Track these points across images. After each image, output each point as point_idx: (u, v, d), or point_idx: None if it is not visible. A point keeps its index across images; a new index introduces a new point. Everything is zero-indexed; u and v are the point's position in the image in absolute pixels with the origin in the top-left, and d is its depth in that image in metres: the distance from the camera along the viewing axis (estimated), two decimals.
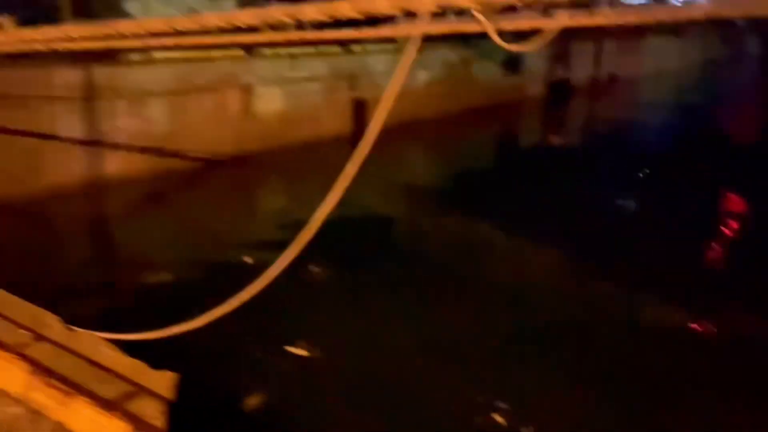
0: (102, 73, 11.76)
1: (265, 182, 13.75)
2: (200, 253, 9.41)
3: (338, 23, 3.79)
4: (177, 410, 2.34)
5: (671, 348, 6.72)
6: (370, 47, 17.44)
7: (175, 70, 12.86)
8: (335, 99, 16.40)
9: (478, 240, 10.06)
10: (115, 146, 11.97)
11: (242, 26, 3.69)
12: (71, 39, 4.36)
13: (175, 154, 12.81)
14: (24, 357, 2.24)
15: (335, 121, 16.21)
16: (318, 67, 15.90)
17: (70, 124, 11.38)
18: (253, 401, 5.54)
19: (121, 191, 11.71)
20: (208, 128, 13.55)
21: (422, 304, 7.55)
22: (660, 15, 5.42)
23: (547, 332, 6.93)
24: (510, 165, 15.62)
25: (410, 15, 3.32)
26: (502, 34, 3.58)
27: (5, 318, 2.57)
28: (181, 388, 2.48)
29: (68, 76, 11.34)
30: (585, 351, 6.55)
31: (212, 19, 3.83)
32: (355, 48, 16.90)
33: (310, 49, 15.46)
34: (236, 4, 18.37)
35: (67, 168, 11.32)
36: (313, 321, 7.09)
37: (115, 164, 12.02)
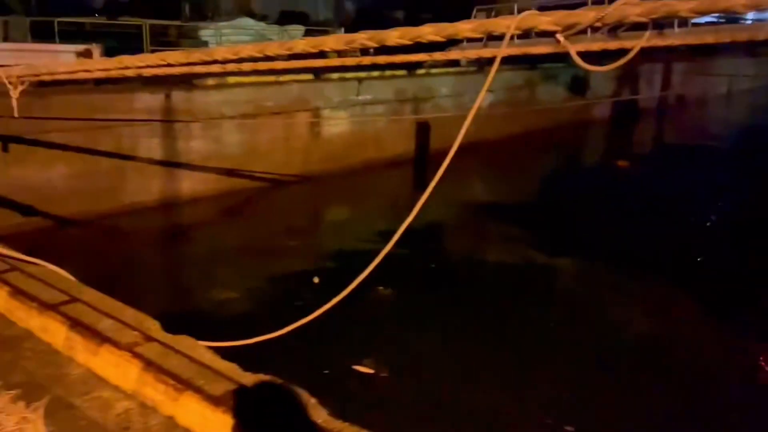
0: (179, 97, 12.37)
1: (332, 201, 14.03)
2: (270, 266, 9.69)
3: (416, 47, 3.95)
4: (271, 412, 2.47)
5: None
6: (433, 70, 17.65)
7: (247, 93, 13.39)
8: (399, 121, 16.64)
9: (541, 263, 9.95)
10: (190, 166, 12.52)
11: (324, 51, 3.87)
12: (139, 67, 4.64)
13: (245, 174, 13.28)
14: (136, 355, 2.43)
15: (398, 143, 16.42)
16: (382, 90, 16.20)
17: (150, 146, 11.99)
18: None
19: (194, 208, 12.21)
20: (277, 149, 13.98)
21: (484, 325, 7.53)
22: (737, 35, 5.35)
23: (609, 354, 6.80)
24: (574, 188, 15.39)
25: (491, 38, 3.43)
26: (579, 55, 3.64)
27: (116, 319, 2.79)
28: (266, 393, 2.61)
29: (148, 101, 11.98)
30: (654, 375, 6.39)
31: (300, 44, 4.02)
32: (419, 71, 17.14)
33: (375, 73, 15.79)
34: (304, 31, 19.03)
35: (145, 187, 11.90)
36: (378, 340, 7.18)
37: (190, 183, 12.55)
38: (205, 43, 17.71)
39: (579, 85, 22.35)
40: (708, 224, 12.11)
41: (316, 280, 8.70)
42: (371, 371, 6.42)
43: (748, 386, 6.40)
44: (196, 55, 4.58)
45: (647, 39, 3.18)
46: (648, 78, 26.39)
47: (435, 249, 10.36)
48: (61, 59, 11.22)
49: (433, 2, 36.07)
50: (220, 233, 11.58)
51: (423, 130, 16.50)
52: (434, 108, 17.09)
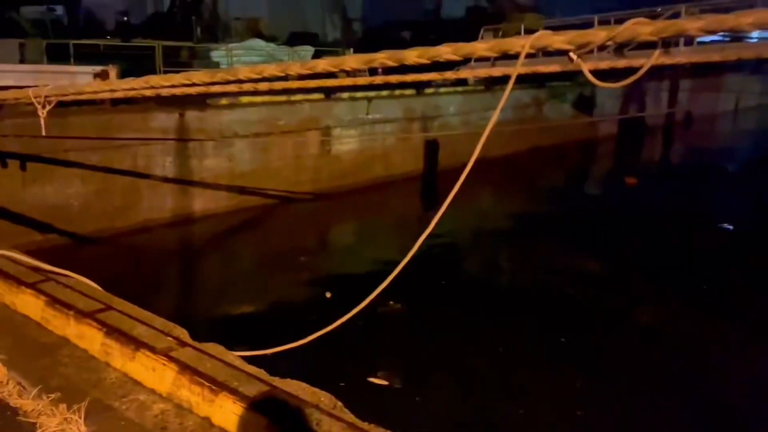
0: (193, 117, 12.59)
1: (342, 218, 14.18)
2: (283, 282, 9.81)
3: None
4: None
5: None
6: (441, 90, 17.87)
7: (259, 113, 13.62)
8: (408, 139, 16.83)
9: (550, 277, 10.02)
10: (203, 184, 12.71)
11: (346, 70, 4.03)
12: (164, 87, 4.79)
13: (257, 192, 13.46)
14: (171, 359, 2.54)
15: (407, 161, 16.59)
16: (392, 109, 16.41)
17: (164, 164, 12.20)
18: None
19: (207, 225, 12.38)
20: (289, 167, 14.18)
21: (494, 338, 7.60)
22: (743, 53, 5.46)
23: (619, 363, 6.85)
24: (583, 204, 15.47)
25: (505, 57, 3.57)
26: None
27: (150, 326, 2.91)
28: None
29: (163, 120, 12.21)
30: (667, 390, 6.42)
31: (321, 64, 4.17)
32: (427, 91, 17.36)
33: (385, 93, 16.01)
34: (314, 52, 19.31)
35: (159, 204, 12.08)
36: (391, 353, 7.26)
37: (202, 200, 12.74)
38: (217, 64, 18.00)
39: (586, 103, 22.53)
40: (714, 238, 12.15)
41: (328, 295, 8.81)
42: (385, 383, 6.50)
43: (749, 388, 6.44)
44: (221, 74, 4.74)
45: (656, 58, 3.29)
46: (655, 95, 26.55)
47: (445, 265, 10.45)
48: (79, 80, 11.46)
49: (438, 23, 36.53)
50: (233, 249, 11.73)
51: (432, 148, 16.67)
52: (442, 126, 17.28)
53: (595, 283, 9.64)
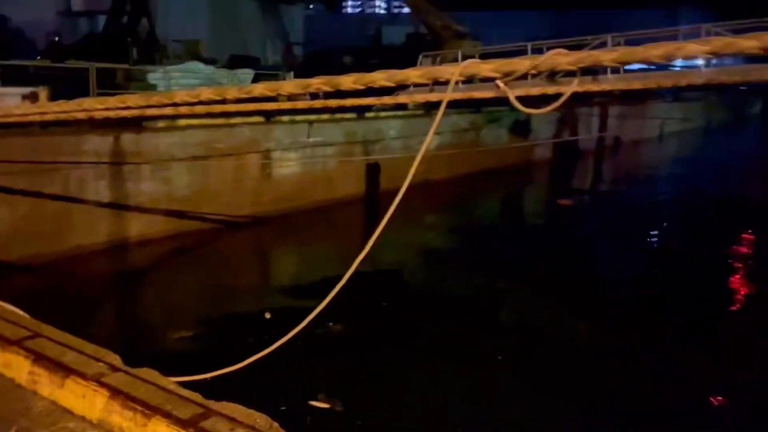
0: (128, 140, 12.32)
1: (283, 242, 14.09)
2: (221, 306, 9.65)
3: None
4: None
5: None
6: (382, 113, 18.12)
7: (197, 136, 13.46)
8: (349, 162, 16.94)
9: (488, 297, 10.25)
10: (140, 208, 12.41)
11: (282, 95, 4.08)
12: (98, 110, 4.73)
13: (196, 216, 13.24)
14: (103, 385, 2.49)
15: (349, 184, 16.68)
16: (333, 132, 16.51)
17: (97, 188, 11.85)
18: None
19: (144, 250, 12.06)
20: (228, 191, 14.02)
21: (431, 356, 7.70)
22: (663, 81, 5.85)
23: (553, 375, 7.06)
24: (518, 226, 15.92)
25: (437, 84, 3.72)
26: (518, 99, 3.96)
27: (81, 352, 2.84)
28: None
29: (97, 143, 11.89)
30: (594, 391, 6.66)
31: (258, 88, 4.23)
32: (368, 114, 17.57)
33: (325, 116, 16.11)
34: (254, 75, 19.27)
35: (93, 229, 11.71)
36: (332, 374, 7.25)
37: (139, 225, 12.42)
38: (154, 87, 17.73)
39: (521, 127, 23.27)
40: (641, 255, 12.73)
41: (267, 315, 8.74)
42: (327, 405, 6.48)
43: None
44: (156, 98, 4.72)
45: (578, 84, 3.51)
46: (587, 121, 27.68)
47: (385, 286, 10.53)
48: (6, 102, 11.08)
49: (379, 49, 37.12)
50: (171, 275, 11.47)
51: (373, 171, 16.83)
52: (384, 150, 17.48)
53: (527, 300, 9.92)
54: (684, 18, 43.93)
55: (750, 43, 3.49)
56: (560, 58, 3.59)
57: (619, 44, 16.62)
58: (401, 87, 7.00)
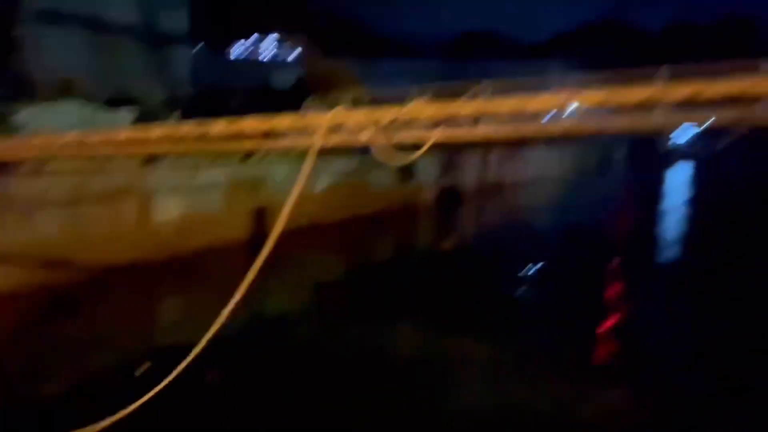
0: None
1: (163, 289, 13.42)
2: (93, 360, 9.02)
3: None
4: None
5: None
6: (270, 156, 18.01)
7: (70, 180, 12.68)
8: (235, 205, 16.65)
9: (378, 336, 10.29)
10: (3, 259, 11.39)
11: (152, 138, 4.00)
12: None
13: (67, 265, 12.36)
14: None
15: (235, 227, 16.35)
16: (218, 175, 16.20)
17: None
18: None
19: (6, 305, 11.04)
20: (103, 237, 13.26)
21: (324, 403, 7.61)
22: (525, 131, 6.26)
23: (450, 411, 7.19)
24: (404, 267, 16.23)
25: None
26: (391, 146, 4.10)
27: None
28: None
29: None
30: None
31: (123, 133, 4.13)
32: (256, 157, 17.40)
33: (210, 158, 15.79)
34: (135, 116, 18.58)
35: None
36: (212, 426, 6.97)
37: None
38: (23, 127, 16.59)
39: (407, 171, 23.98)
40: (523, 290, 13.45)
41: (139, 371, 8.26)
42: None
43: None
44: (18, 140, 4.48)
45: (440, 133, 3.71)
46: (468, 165, 29.04)
47: (262, 335, 10.33)
48: None
49: (267, 91, 37.08)
50: (33, 330, 10.57)
51: (259, 213, 16.63)
52: (272, 192, 17.35)
53: (412, 337, 10.09)
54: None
55: (595, 96, 3.83)
56: (422, 108, 3.79)
57: (493, 92, 17.63)
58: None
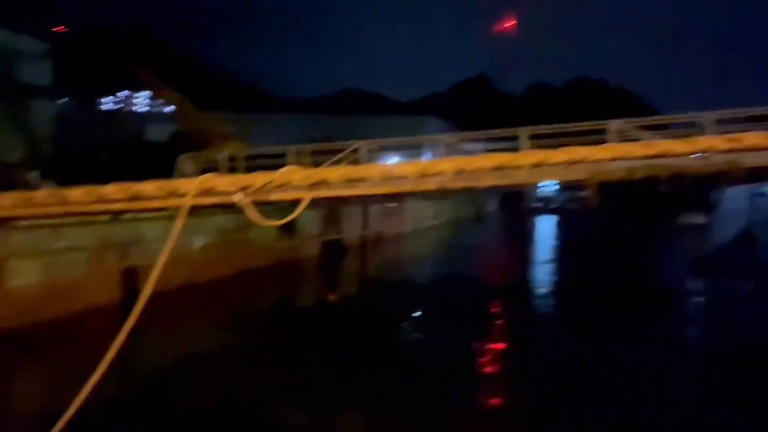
0: None
1: (18, 365, 12.20)
2: None
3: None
4: None
5: None
6: (141, 215, 17.22)
7: None
8: (102, 268, 15.68)
9: (266, 399, 9.97)
10: None
11: (3, 205, 3.72)
12: None
13: None
14: None
15: (103, 291, 15.35)
16: (83, 236, 15.22)
17: None
18: None
19: None
20: None
21: None
22: (398, 188, 6.47)
23: None
24: (289, 324, 15.95)
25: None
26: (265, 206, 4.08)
27: None
28: None
29: None
30: None
31: None
32: (125, 216, 16.57)
33: (74, 219, 14.81)
34: None
35: None
36: None
37: None
38: None
39: (289, 226, 23.82)
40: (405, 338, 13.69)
41: None
42: None
43: None
44: None
45: (314, 194, 3.76)
46: (351, 219, 29.43)
47: (145, 407, 9.66)
48: None
49: (140, 146, 35.73)
50: None
51: (130, 275, 15.75)
52: (143, 253, 16.52)
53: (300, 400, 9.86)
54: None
55: (454, 164, 4.02)
56: (294, 174, 3.82)
57: (369, 150, 18.29)
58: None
